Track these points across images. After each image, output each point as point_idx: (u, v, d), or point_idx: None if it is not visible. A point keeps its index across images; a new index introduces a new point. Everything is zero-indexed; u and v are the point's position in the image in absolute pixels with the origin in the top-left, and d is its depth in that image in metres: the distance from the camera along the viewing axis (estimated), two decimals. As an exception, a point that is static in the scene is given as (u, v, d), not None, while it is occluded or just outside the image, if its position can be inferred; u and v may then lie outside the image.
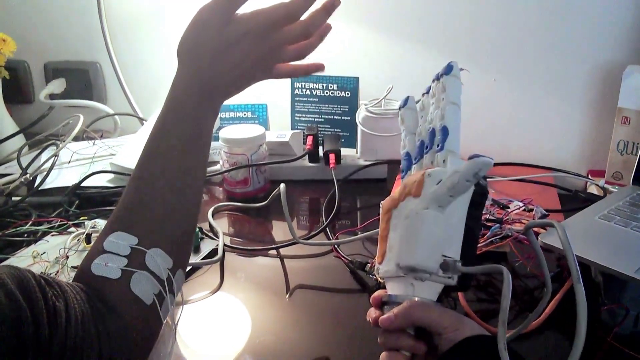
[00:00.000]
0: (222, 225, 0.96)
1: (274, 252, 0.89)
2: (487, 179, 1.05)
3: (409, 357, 0.54)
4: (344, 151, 1.13)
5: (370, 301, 0.59)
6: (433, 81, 0.65)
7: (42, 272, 0.77)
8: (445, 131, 0.59)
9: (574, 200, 1.00)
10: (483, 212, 0.77)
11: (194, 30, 0.60)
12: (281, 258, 0.87)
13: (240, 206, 1.03)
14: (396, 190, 0.62)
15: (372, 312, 0.58)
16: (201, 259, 0.84)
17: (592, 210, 0.82)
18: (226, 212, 1.03)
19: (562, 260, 0.79)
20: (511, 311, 0.74)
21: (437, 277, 0.55)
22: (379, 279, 0.61)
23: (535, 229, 0.81)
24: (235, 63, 0.60)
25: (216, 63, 0.59)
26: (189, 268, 0.81)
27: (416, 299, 0.55)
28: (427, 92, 0.67)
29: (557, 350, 0.66)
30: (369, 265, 0.79)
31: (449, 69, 0.63)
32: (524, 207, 0.87)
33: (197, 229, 0.87)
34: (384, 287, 0.60)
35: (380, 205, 0.64)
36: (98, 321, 0.49)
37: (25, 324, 0.43)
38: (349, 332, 0.70)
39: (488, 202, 0.88)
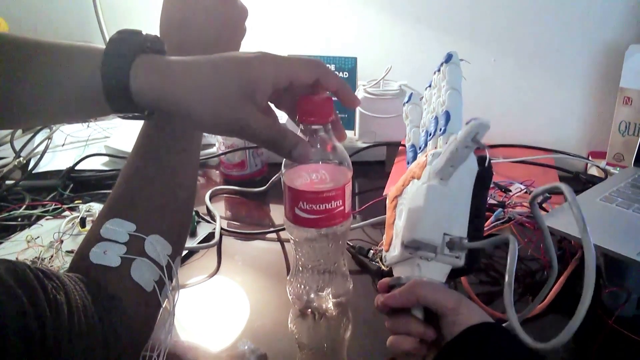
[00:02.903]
0: (219, 208, 0.95)
1: (272, 235, 0.88)
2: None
3: (417, 342, 0.53)
4: (345, 132, 1.10)
5: (378, 288, 0.59)
6: (434, 73, 0.65)
7: (36, 257, 0.76)
8: (447, 115, 0.59)
9: (574, 182, 0.99)
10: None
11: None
12: (281, 242, 0.86)
13: (238, 190, 1.02)
14: (401, 178, 0.62)
15: (380, 298, 0.57)
16: (198, 243, 0.83)
17: (593, 192, 0.81)
18: (224, 195, 1.02)
19: (564, 242, 0.78)
20: (513, 294, 0.73)
21: (443, 257, 0.55)
22: (384, 267, 0.61)
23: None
24: None
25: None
26: (185, 252, 0.80)
27: (424, 279, 0.55)
28: (430, 86, 0.67)
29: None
30: (372, 252, 0.78)
31: (448, 58, 0.63)
32: (525, 190, 0.86)
33: (194, 213, 0.86)
34: (391, 275, 0.60)
35: (387, 196, 0.64)
36: (100, 310, 0.48)
37: (28, 320, 0.42)
38: (350, 315, 0.70)
39: (491, 186, 0.87)
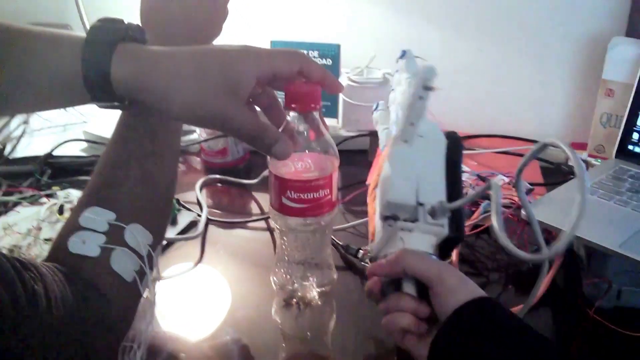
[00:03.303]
0: (201, 196, 0.94)
1: (257, 224, 0.87)
2: (470, 151, 1.05)
3: (413, 318, 0.52)
4: (325, 121, 1.09)
5: (367, 273, 0.59)
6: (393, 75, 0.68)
7: (13, 245, 0.74)
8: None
9: (556, 173, 1.00)
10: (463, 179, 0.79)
11: None
12: (271, 231, 0.85)
13: (231, 181, 1.00)
14: (375, 169, 0.62)
15: (369, 283, 0.58)
16: (179, 232, 0.82)
17: (574, 184, 0.81)
18: (209, 184, 1.00)
19: (545, 233, 0.78)
20: (496, 285, 0.73)
21: (426, 226, 0.55)
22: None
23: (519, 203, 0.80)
24: None
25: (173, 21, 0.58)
26: (166, 242, 0.80)
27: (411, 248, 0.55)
28: (393, 89, 0.71)
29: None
30: (361, 252, 0.77)
31: (403, 54, 0.69)
32: (508, 181, 0.86)
33: (175, 201, 0.85)
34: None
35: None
36: (79, 302, 0.47)
37: (5, 310, 0.41)
38: (335, 305, 0.70)
39: (473, 177, 0.87)
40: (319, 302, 0.69)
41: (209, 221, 0.87)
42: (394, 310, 0.54)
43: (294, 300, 0.69)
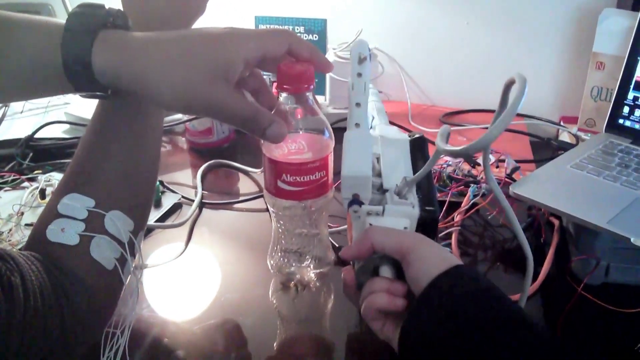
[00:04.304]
0: (184, 177, 0.93)
1: (248, 205, 0.86)
2: (457, 127, 1.04)
3: (390, 296, 0.50)
4: (318, 101, 1.08)
5: (340, 255, 0.56)
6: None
7: (-7, 232, 0.73)
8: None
9: (546, 148, 0.99)
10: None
11: None
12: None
13: (235, 167, 0.97)
14: None
15: (342, 276, 0.56)
16: (162, 214, 0.81)
17: (564, 159, 0.81)
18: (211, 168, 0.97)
19: (532, 210, 0.78)
20: (484, 262, 0.73)
21: (394, 208, 0.54)
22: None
23: (506, 180, 0.80)
24: None
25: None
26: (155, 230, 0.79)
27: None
28: None
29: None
30: None
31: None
32: (496, 163, 0.85)
33: (158, 182, 0.84)
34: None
35: None
36: (58, 292, 0.46)
37: None
38: (332, 287, 0.69)
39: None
40: (317, 284, 0.68)
41: (203, 205, 0.85)
42: (368, 295, 0.51)
43: (292, 282, 0.68)
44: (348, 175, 0.54)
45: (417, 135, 0.65)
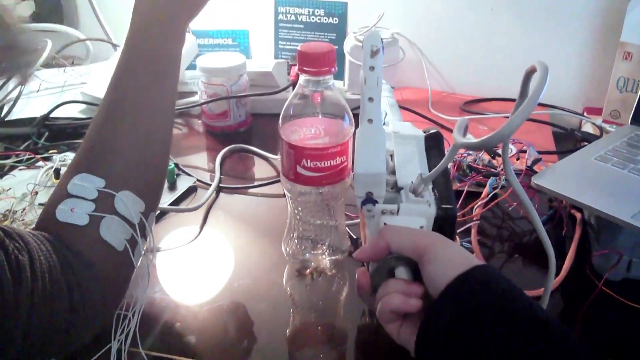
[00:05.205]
0: (200, 160, 0.92)
1: (263, 190, 0.85)
2: (478, 115, 1.02)
3: (405, 297, 0.47)
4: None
5: (354, 257, 0.53)
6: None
7: (7, 210, 0.73)
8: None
9: (569, 139, 0.96)
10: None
11: None
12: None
13: (255, 152, 0.95)
14: None
15: (356, 278, 0.54)
16: (176, 198, 0.80)
17: (588, 150, 0.78)
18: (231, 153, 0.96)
19: (553, 202, 0.76)
20: (503, 255, 0.71)
21: (410, 207, 0.53)
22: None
23: (527, 171, 0.78)
24: None
25: None
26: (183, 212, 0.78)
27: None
28: None
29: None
30: None
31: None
32: (517, 154, 0.83)
33: (173, 165, 0.83)
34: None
35: None
36: (67, 272, 0.46)
37: None
38: (347, 275, 0.68)
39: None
40: (332, 271, 0.67)
41: (220, 189, 0.84)
42: (383, 296, 0.49)
43: (308, 270, 0.67)
44: (361, 173, 0.53)
45: (432, 131, 0.62)
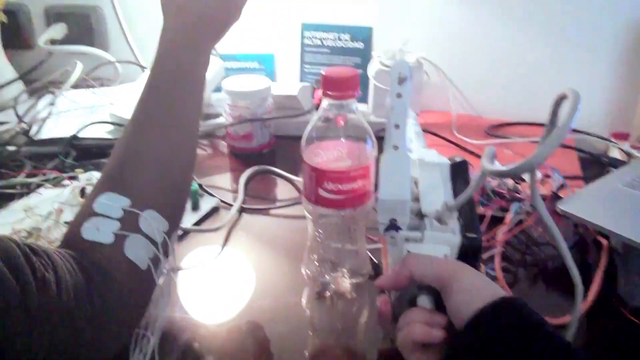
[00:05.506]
0: (223, 181, 0.92)
1: (284, 212, 0.85)
2: (503, 139, 1.01)
3: (428, 327, 0.47)
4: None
5: (376, 285, 0.53)
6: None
7: (33, 228, 0.74)
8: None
9: (595, 165, 0.95)
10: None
11: None
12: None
13: (279, 173, 0.95)
14: None
15: (378, 306, 0.53)
16: (200, 218, 0.81)
17: (615, 176, 0.77)
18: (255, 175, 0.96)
19: (579, 228, 0.75)
20: (527, 281, 0.70)
21: (434, 235, 0.53)
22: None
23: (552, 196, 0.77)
24: None
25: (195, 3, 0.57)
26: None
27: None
28: None
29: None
30: None
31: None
32: (542, 178, 0.81)
33: (197, 186, 0.84)
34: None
35: None
36: (91, 289, 0.46)
37: (13, 296, 0.40)
38: (368, 298, 0.67)
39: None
40: (353, 294, 0.67)
41: (242, 209, 0.85)
42: (404, 326, 0.48)
43: (328, 292, 0.66)
44: (386, 199, 0.53)
45: (458, 159, 0.62)
